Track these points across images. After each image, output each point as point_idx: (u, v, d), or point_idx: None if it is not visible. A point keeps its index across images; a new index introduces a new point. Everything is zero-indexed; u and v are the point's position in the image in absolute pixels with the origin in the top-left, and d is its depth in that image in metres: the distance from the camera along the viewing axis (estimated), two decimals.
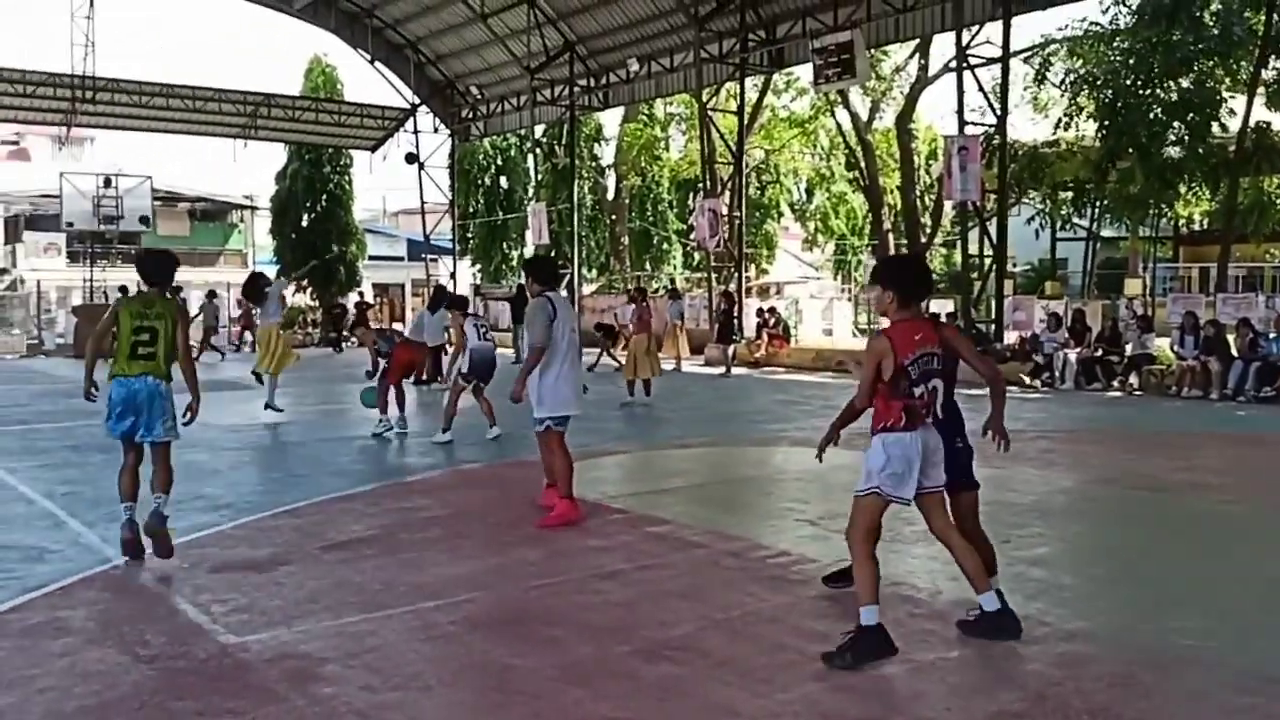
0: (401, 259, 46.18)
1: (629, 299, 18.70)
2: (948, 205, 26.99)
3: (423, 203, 33.81)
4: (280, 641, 4.54)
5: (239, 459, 9.74)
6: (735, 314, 22.26)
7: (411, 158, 32.64)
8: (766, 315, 23.59)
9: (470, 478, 9.02)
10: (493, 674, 4.22)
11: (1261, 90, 19.82)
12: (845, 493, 8.09)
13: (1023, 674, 4.18)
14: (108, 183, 26.82)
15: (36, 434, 11.35)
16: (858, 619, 4.29)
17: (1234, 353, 15.40)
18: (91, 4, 25.56)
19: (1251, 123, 19.72)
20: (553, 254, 33.88)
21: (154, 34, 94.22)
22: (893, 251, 27.42)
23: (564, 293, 7.43)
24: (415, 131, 32.97)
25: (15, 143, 54.26)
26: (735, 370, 20.58)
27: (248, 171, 56.45)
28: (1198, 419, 13.31)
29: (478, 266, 39.98)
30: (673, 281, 35.54)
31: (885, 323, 4.53)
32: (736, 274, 24.70)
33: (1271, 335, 15.38)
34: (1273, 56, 19.47)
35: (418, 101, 32.39)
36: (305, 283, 34.02)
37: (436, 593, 5.29)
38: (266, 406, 12.50)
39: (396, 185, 69.61)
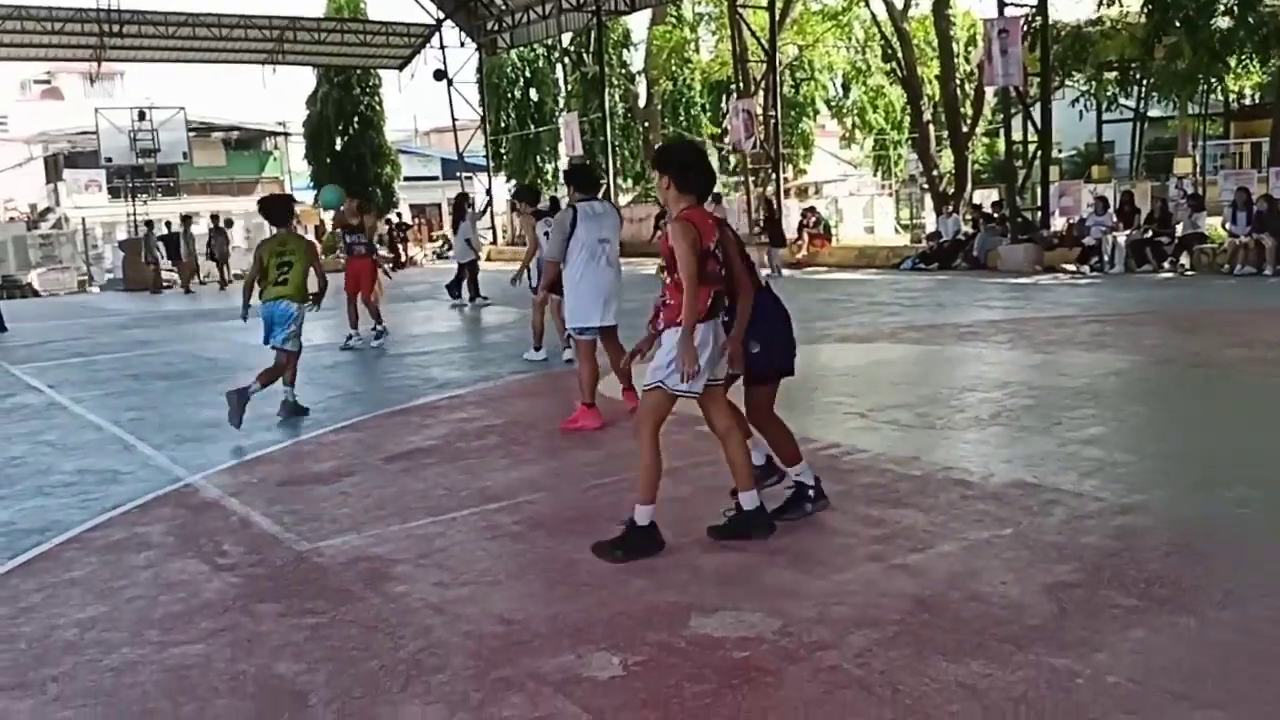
0: (436, 178, 46.10)
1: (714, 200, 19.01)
2: (989, 93, 26.31)
3: (454, 119, 33.57)
4: (352, 546, 4.71)
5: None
6: (776, 217, 22.09)
7: (440, 74, 32.33)
8: (807, 215, 23.35)
9: (522, 388, 9.13)
10: (558, 568, 4.35)
11: None
12: (892, 386, 8.20)
13: (1078, 547, 4.23)
14: (142, 116, 26.92)
15: (96, 365, 11.63)
16: (632, 512, 4.38)
17: None
18: None
19: None
20: (588, 163, 33.65)
21: None
22: (933, 144, 26.88)
23: (600, 202, 7.28)
24: (442, 47, 32.58)
25: (47, 82, 54.41)
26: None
27: (279, 98, 56.15)
28: (1252, 296, 13.10)
29: (512, 182, 39.83)
30: None
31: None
32: (774, 175, 24.41)
33: None
34: None
35: (442, 16, 31.93)
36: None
37: (498, 496, 5.44)
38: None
39: (426, 105, 68.96)
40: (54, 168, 42.04)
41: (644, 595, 3.97)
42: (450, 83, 32.70)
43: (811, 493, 4.78)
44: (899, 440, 6.21)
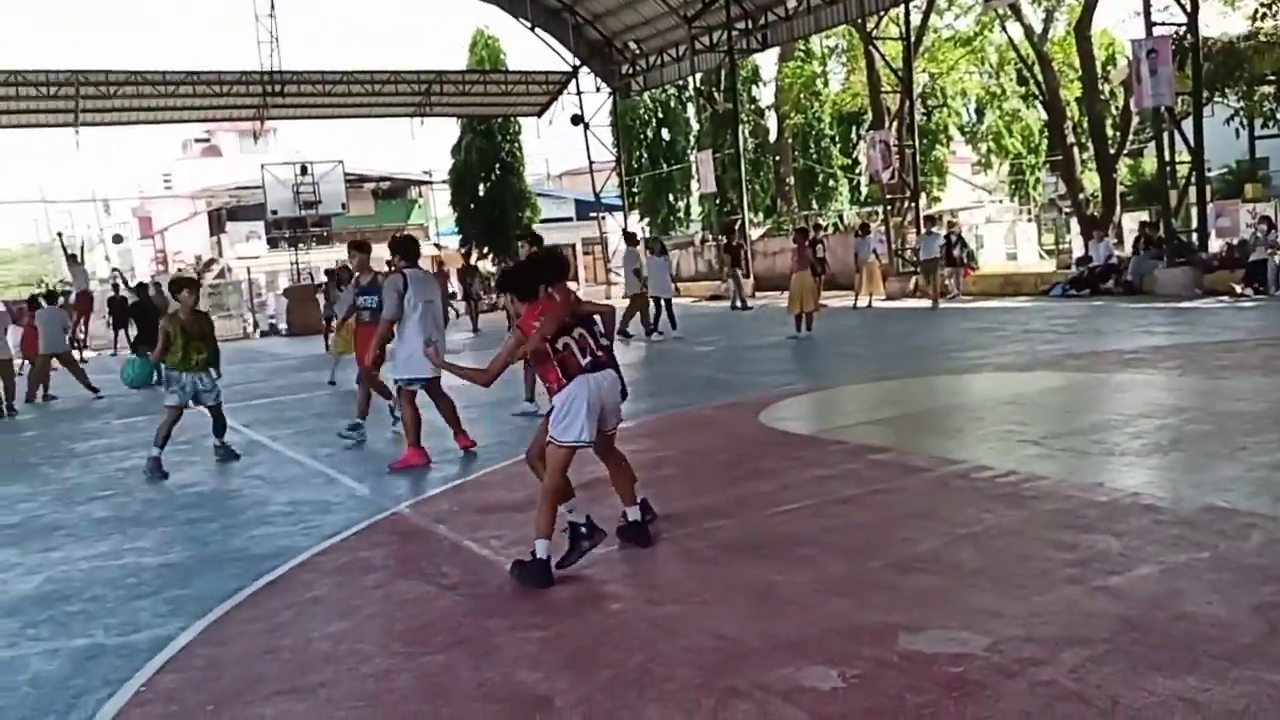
0: (570, 219, 47.28)
1: (862, 232, 21.54)
2: (1133, 111, 25.62)
3: (591, 162, 34.49)
4: (561, 569, 5.03)
5: (468, 415, 10.38)
6: (955, 241, 22.22)
7: (577, 119, 33.29)
8: (953, 243, 23.11)
9: (682, 420, 9.41)
10: (758, 589, 4.57)
11: None
12: (1062, 414, 8.19)
13: None
14: (304, 170, 28.56)
15: (281, 405, 12.44)
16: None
17: None
18: (273, 4, 27.18)
19: None
20: (717, 201, 34.04)
21: (328, 24, 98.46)
22: (1078, 166, 26.33)
23: (421, 269, 8.26)
24: (578, 93, 33.58)
25: (206, 140, 58.08)
26: (919, 304, 20.33)
27: (425, 149, 58.74)
28: None
29: (646, 220, 40.53)
30: (837, 218, 35.07)
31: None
32: (913, 205, 24.28)
33: None
34: None
35: (578, 63, 32.96)
36: (486, 250, 35.46)
37: (686, 522, 5.70)
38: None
39: (558, 148, 70.85)
40: (217, 221, 44.79)
41: (849, 614, 4.16)
42: (587, 127, 33.62)
43: (584, 529, 5.05)
44: (1079, 467, 6.23)
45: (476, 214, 35.63)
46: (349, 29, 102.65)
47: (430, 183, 45.09)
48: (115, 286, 26.06)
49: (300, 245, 31.40)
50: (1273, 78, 24.27)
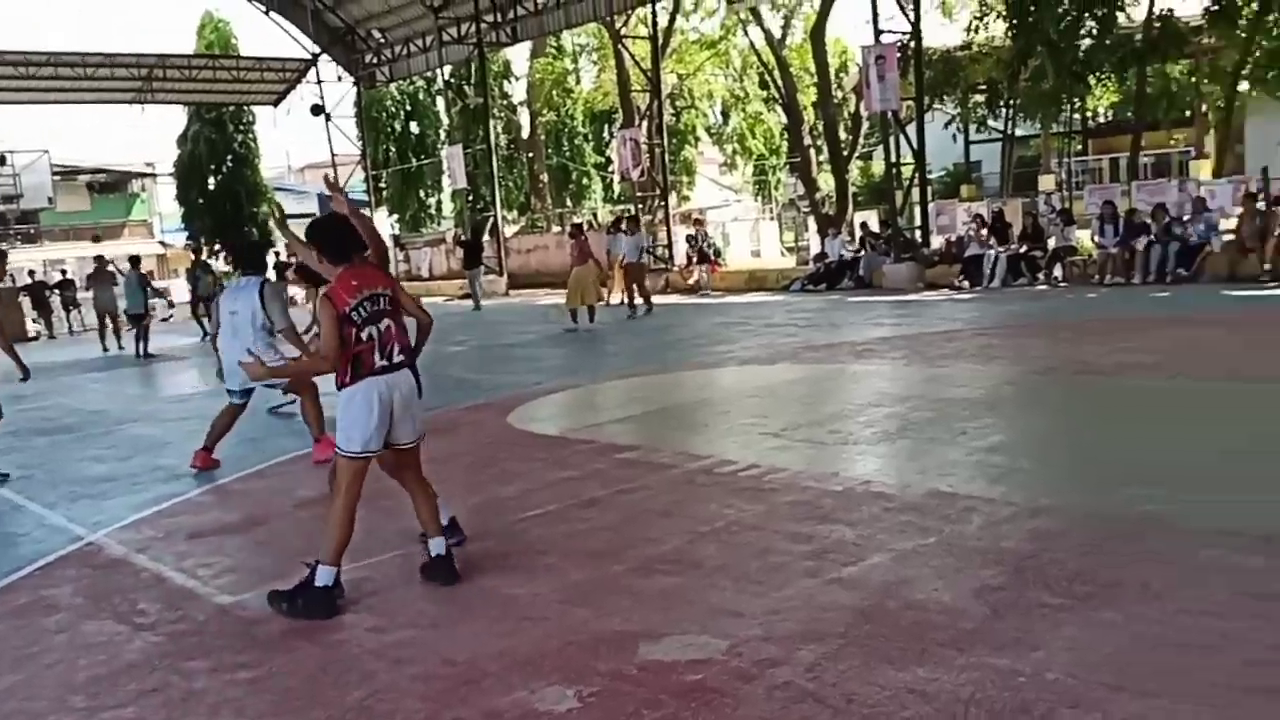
0: (314, 214, 45.14)
1: (615, 229, 20.57)
2: (864, 116, 27.18)
3: (333, 155, 33.01)
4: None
5: (188, 428, 9.55)
6: (702, 239, 22.63)
7: (317, 109, 31.78)
8: (700, 240, 23.62)
9: (427, 424, 8.97)
10: (496, 604, 4.30)
11: None
12: (801, 405, 8.38)
13: (999, 551, 4.39)
14: (2, 161, 25.73)
15: None
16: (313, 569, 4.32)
17: (1152, 237, 15.91)
18: None
19: (1156, 10, 20.21)
20: (470, 197, 33.41)
21: (38, 3, 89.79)
22: (814, 169, 27.62)
23: (247, 279, 7.57)
24: (318, 82, 32.09)
25: None
26: (668, 299, 20.64)
27: (149, 138, 54.59)
28: (1123, 305, 13.77)
29: (395, 216, 39.34)
30: (591, 216, 35.31)
31: None
32: (662, 203, 24.68)
33: (1186, 218, 15.92)
34: None
35: (318, 51, 31.47)
36: (217, 245, 33.25)
37: None
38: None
39: (301, 141, 67.78)
40: None
41: (588, 625, 3.96)
42: (328, 118, 32.17)
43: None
44: (815, 457, 6.34)
45: (206, 209, 33.37)
46: (60, 6, 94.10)
47: (154, 175, 41.88)
48: None
49: (3, 244, 28.29)
50: (984, 86, 26.34)
